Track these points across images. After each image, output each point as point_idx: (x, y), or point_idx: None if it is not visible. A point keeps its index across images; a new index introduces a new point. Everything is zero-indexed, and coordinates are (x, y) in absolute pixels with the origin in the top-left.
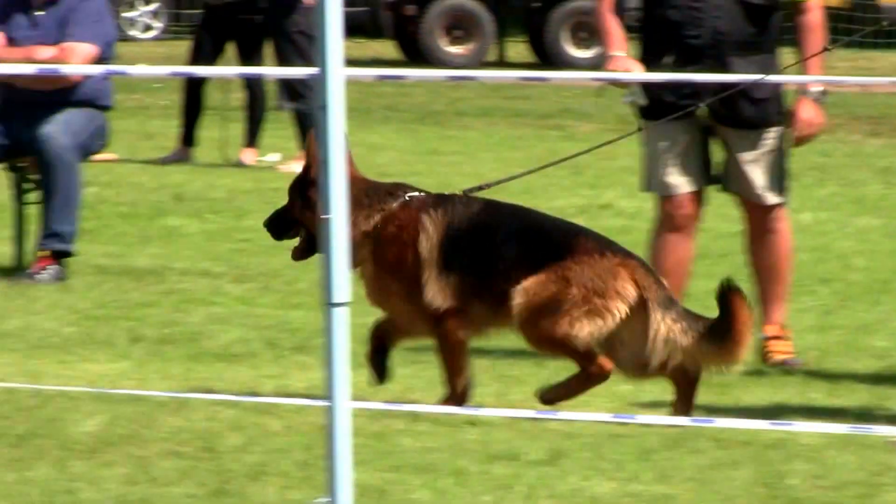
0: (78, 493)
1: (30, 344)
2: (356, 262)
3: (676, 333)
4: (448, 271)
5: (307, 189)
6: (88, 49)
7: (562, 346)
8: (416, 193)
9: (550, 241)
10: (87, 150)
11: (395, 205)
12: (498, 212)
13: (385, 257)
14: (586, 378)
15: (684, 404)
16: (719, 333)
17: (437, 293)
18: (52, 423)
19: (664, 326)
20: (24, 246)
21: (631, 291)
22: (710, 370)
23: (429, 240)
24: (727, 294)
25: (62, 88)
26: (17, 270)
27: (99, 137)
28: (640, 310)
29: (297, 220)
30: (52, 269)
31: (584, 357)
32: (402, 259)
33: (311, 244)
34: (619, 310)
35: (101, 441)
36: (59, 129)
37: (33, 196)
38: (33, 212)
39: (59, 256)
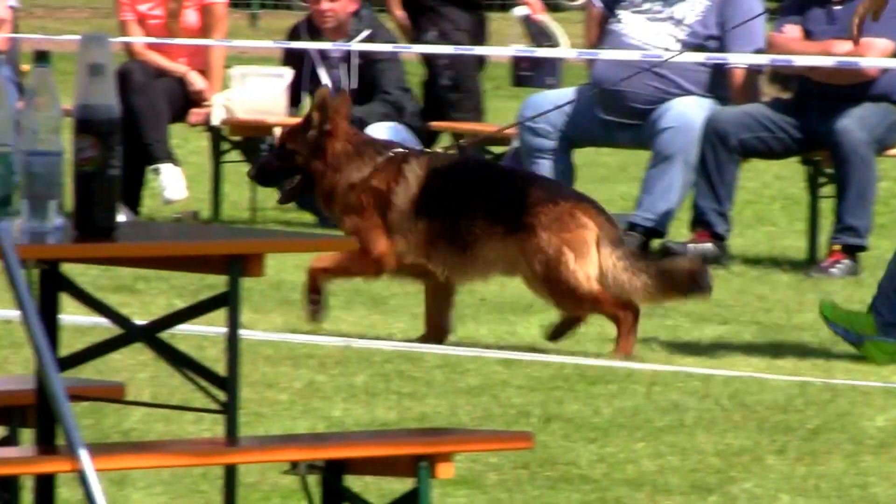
0: (869, 487)
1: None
2: (341, 210)
3: (619, 271)
4: (419, 219)
5: (319, 138)
6: (886, 44)
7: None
8: (402, 149)
9: (514, 193)
10: (882, 144)
11: (382, 159)
12: (468, 167)
13: (365, 203)
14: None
15: (625, 342)
16: (663, 275)
17: (404, 240)
18: (843, 418)
19: (610, 262)
20: (816, 239)
21: (592, 227)
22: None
23: (407, 191)
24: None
25: (859, 83)
26: (809, 264)
27: (893, 132)
28: (595, 246)
29: (297, 166)
30: (844, 263)
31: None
32: (379, 206)
33: (305, 188)
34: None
35: (892, 436)
36: (854, 123)
37: (827, 190)
38: (827, 205)
39: (852, 251)
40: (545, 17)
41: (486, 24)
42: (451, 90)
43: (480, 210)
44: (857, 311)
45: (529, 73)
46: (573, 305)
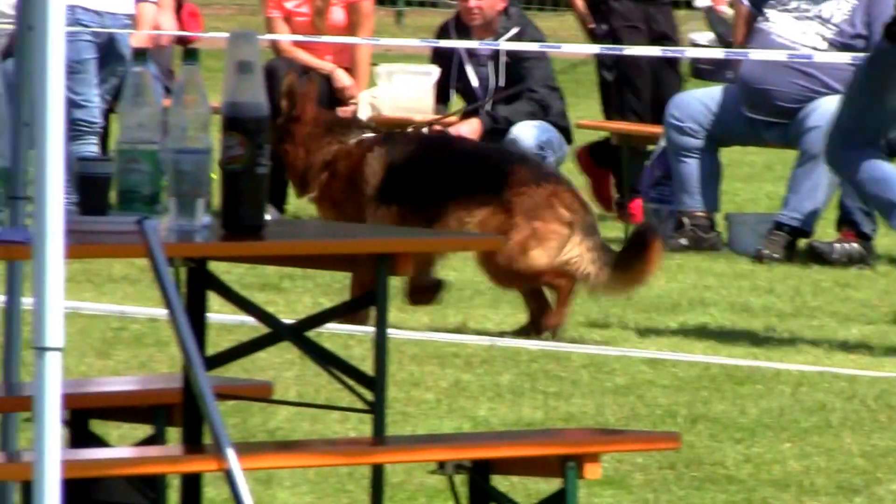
0: None
1: None
2: (313, 186)
3: (587, 262)
4: (391, 198)
5: (288, 123)
6: None
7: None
8: (371, 130)
9: (490, 171)
10: None
11: (351, 141)
12: (440, 146)
13: (335, 184)
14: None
15: (559, 313)
16: (622, 268)
17: (375, 219)
18: None
19: (577, 252)
20: None
21: (567, 215)
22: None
23: (377, 170)
24: (643, 234)
25: None
26: None
27: None
28: (566, 234)
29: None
30: None
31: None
32: (350, 186)
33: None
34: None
35: None
36: None
37: None
38: None
39: None
40: (726, 9)
41: (670, 17)
42: (618, 88)
43: (453, 188)
44: None
45: (709, 67)
46: (513, 283)
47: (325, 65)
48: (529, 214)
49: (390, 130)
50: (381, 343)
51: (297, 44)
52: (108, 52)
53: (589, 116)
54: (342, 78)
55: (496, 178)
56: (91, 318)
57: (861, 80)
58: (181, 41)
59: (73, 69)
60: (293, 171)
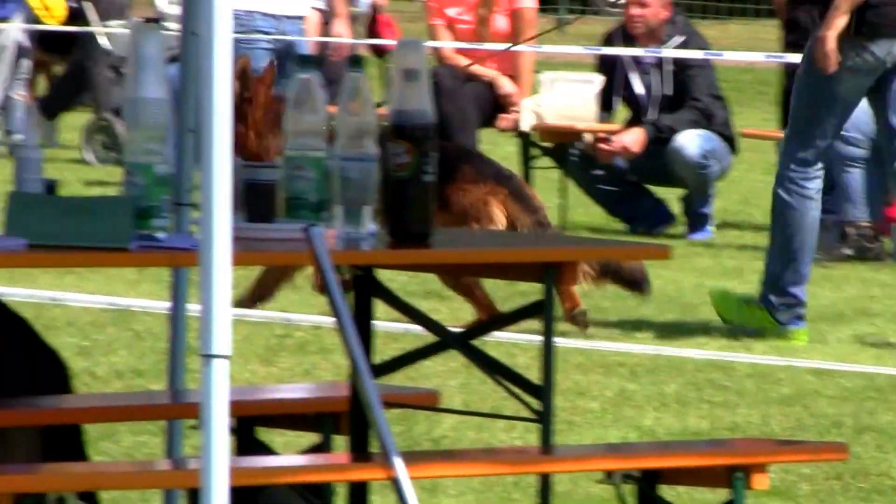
0: None
1: None
2: None
3: None
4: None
5: (241, 105)
6: None
7: None
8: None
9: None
10: None
11: None
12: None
13: None
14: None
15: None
16: None
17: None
18: None
19: None
20: None
21: (500, 217)
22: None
23: None
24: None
25: None
26: None
27: None
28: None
29: None
30: None
31: None
32: None
33: None
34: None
35: None
36: None
37: None
38: None
39: None
40: None
41: None
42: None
43: None
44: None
45: None
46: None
47: (488, 72)
48: (465, 212)
49: None
50: (548, 352)
51: (460, 51)
52: (287, 56)
53: (753, 125)
54: (505, 85)
55: (441, 174)
56: (255, 324)
57: None
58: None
59: None
60: (245, 154)
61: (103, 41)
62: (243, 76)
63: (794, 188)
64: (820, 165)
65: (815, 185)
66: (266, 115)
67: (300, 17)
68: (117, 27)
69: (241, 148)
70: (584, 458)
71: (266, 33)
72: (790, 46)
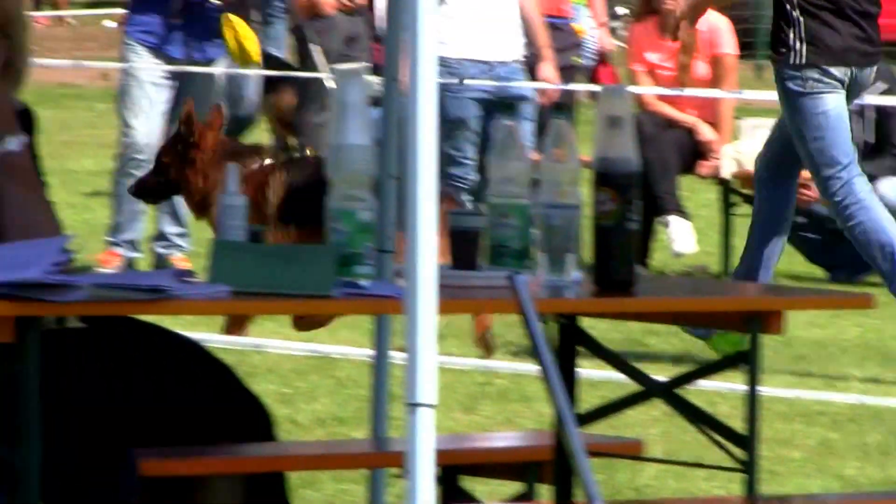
0: None
1: None
2: (213, 210)
3: None
4: (289, 225)
5: (187, 149)
6: None
7: None
8: (270, 158)
9: None
10: None
11: (249, 168)
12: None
13: None
14: None
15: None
16: None
17: (275, 240)
18: None
19: None
20: None
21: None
22: None
23: (274, 197)
24: None
25: None
26: None
27: None
28: None
29: (172, 179)
30: None
31: None
32: (251, 209)
33: (165, 190)
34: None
35: None
36: None
37: None
38: None
39: None
40: None
41: None
42: None
43: None
44: None
45: None
46: None
47: (688, 118)
48: None
49: (291, 156)
50: (753, 401)
51: (661, 97)
52: (497, 103)
53: None
54: (705, 132)
55: None
56: (456, 372)
57: None
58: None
59: (455, 126)
60: (190, 196)
61: (329, 84)
62: (188, 121)
63: (855, 211)
64: (854, 173)
65: (866, 194)
66: (213, 158)
67: (514, 62)
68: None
69: (188, 193)
70: None
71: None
72: None
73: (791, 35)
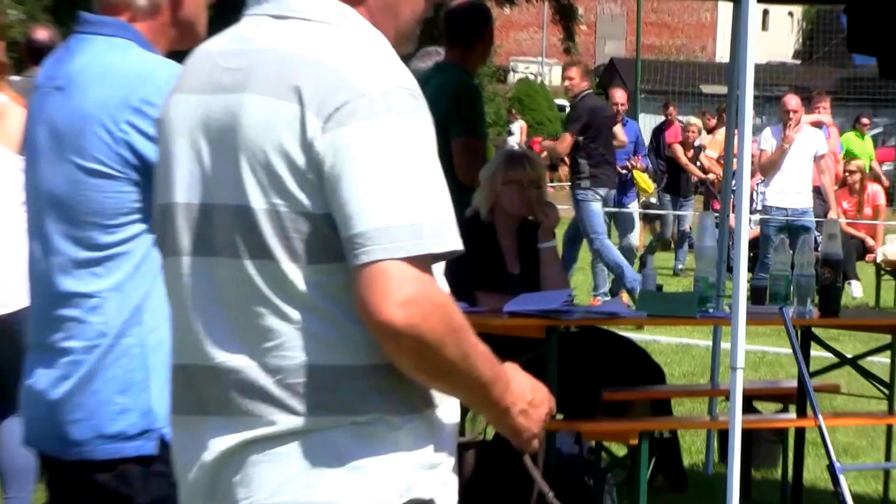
0: None
1: None
2: None
3: None
4: None
5: None
6: None
7: None
8: None
9: None
10: None
11: None
12: None
13: None
14: None
15: None
16: None
17: None
18: None
19: None
20: None
21: None
22: None
23: None
24: None
25: None
26: None
27: None
28: None
29: None
30: None
31: None
32: None
33: None
34: None
35: None
36: None
37: None
38: None
39: None
40: None
41: None
42: None
43: None
44: None
45: None
46: None
47: (859, 234)
48: None
49: None
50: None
51: (850, 224)
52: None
53: None
54: (869, 240)
55: None
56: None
57: None
58: None
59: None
60: None
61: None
62: None
63: None
64: None
65: None
66: None
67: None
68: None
69: None
70: None
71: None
72: None
73: None
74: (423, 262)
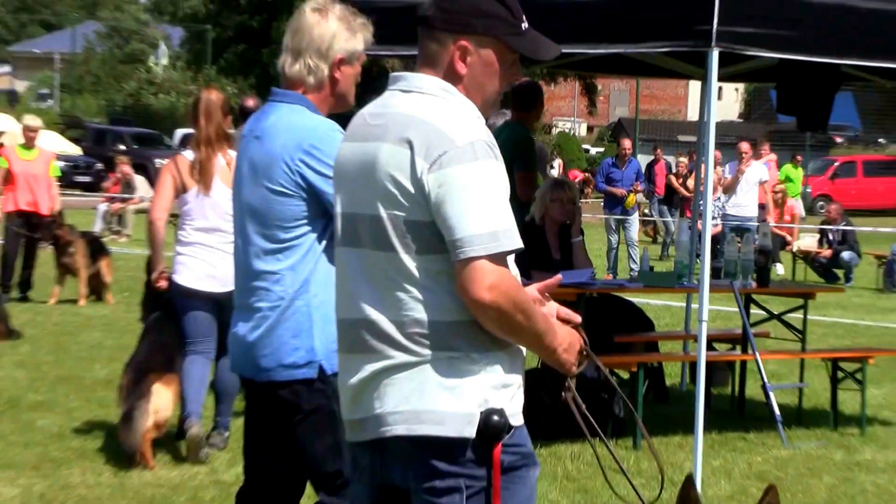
0: None
1: None
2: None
3: None
4: None
5: None
6: None
7: None
8: None
9: None
10: None
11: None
12: None
13: None
14: None
15: None
16: None
17: None
18: None
19: None
20: None
21: None
22: None
23: None
24: None
25: None
26: None
27: None
28: None
29: None
30: None
31: None
32: None
33: None
34: None
35: None
36: None
37: None
38: None
39: None
40: None
41: None
42: None
43: None
44: None
45: None
46: None
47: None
48: None
49: None
50: None
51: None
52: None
53: None
54: (787, 236)
55: None
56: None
57: None
58: None
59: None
60: None
61: None
62: None
63: None
64: None
65: None
66: None
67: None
68: None
69: None
70: None
71: None
72: None
73: None
74: (499, 258)
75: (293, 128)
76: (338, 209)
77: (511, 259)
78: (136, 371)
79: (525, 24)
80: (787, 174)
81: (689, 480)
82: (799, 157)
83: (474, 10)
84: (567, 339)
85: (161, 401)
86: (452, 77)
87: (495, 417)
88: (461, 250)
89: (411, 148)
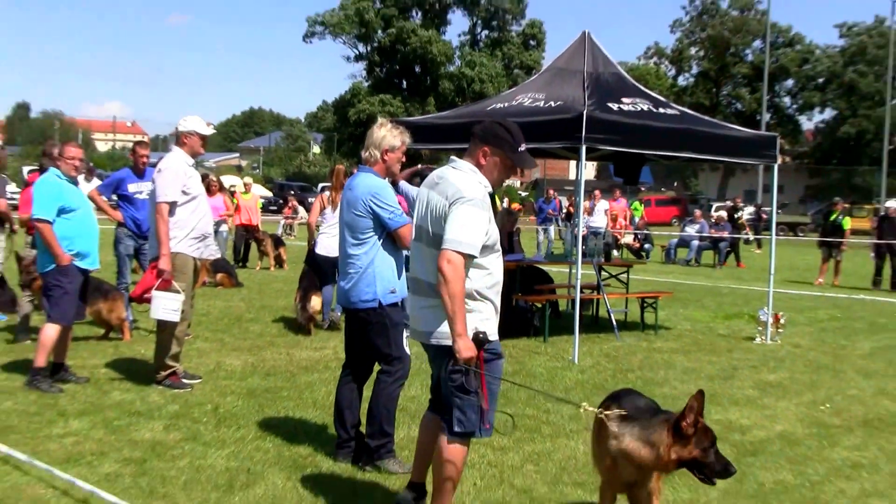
0: None
1: None
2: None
3: None
4: None
5: None
6: None
7: None
8: None
9: None
10: None
11: None
12: None
13: None
14: None
15: None
16: None
17: None
18: None
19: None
20: None
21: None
22: None
23: None
24: None
25: None
26: None
27: None
28: None
29: None
30: None
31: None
32: None
33: None
34: None
35: None
36: None
37: None
38: None
39: None
40: None
41: None
42: None
43: None
44: None
45: None
46: None
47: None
48: None
49: None
50: None
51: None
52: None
53: None
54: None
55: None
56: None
57: None
58: None
59: None
60: None
61: None
62: None
63: None
64: None
65: None
66: None
67: None
68: None
69: None
70: None
71: None
72: None
73: None
74: (461, 255)
75: (366, 183)
76: (415, 220)
77: (498, 256)
78: (303, 290)
79: (522, 147)
80: (635, 205)
81: (701, 394)
82: (644, 198)
83: (493, 134)
84: (469, 343)
85: (314, 303)
86: (478, 165)
87: (481, 335)
88: (445, 243)
89: (445, 197)
